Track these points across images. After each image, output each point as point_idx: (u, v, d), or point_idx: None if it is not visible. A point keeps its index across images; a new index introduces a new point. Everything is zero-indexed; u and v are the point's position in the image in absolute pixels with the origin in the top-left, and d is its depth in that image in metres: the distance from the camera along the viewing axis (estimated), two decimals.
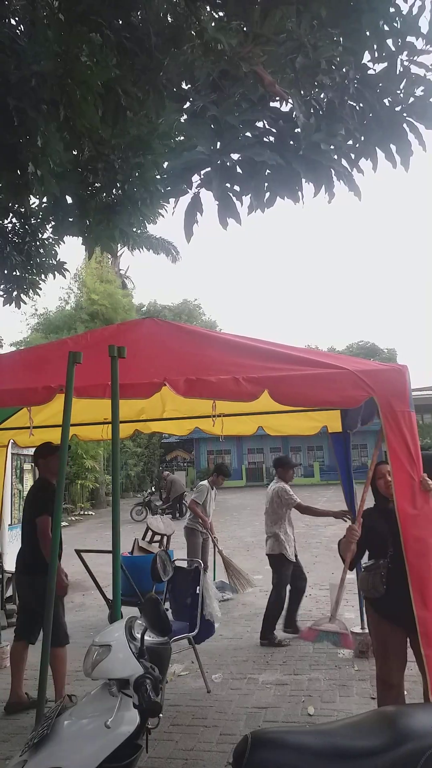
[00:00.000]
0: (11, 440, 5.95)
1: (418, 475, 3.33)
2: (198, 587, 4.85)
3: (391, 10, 2.67)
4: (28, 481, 9.21)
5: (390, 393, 3.37)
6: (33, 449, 9.22)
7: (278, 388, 3.48)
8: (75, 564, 6.88)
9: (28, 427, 4.68)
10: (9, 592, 7.60)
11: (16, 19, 3.74)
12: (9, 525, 8.11)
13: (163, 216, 4.87)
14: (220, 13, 3.51)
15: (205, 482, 8.02)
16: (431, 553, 3.25)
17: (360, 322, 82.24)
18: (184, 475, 32.21)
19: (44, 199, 4.69)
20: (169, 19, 3.59)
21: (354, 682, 4.73)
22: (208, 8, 3.68)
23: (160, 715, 1.99)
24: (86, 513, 22.70)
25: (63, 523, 16.47)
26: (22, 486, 8.97)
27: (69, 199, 4.15)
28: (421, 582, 3.21)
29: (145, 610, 2.15)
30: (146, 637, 2.08)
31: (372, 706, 4.19)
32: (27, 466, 9.22)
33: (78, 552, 6.00)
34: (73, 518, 20.61)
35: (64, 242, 5.56)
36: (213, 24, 3.48)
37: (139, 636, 2.09)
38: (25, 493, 9.17)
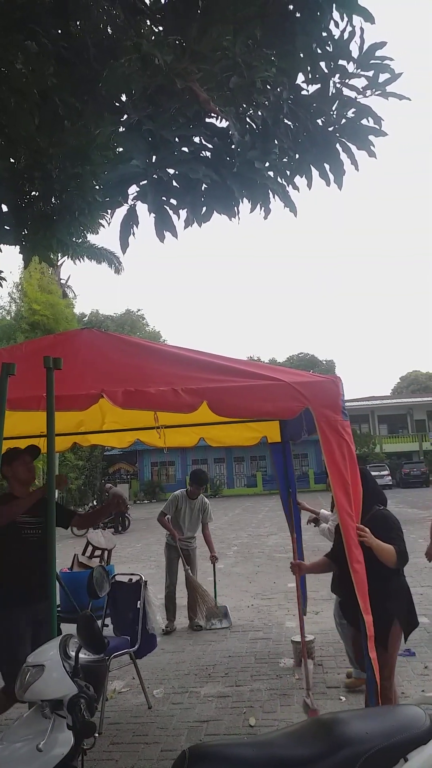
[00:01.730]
0: None
1: (354, 482, 3.42)
2: (139, 601, 4.79)
3: (324, 34, 2.77)
4: None
5: (324, 403, 3.45)
6: None
7: (216, 400, 3.50)
8: None
9: None
10: None
11: None
12: None
13: (104, 226, 4.84)
14: (160, 28, 3.54)
15: (178, 492, 7.36)
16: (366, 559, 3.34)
17: (300, 334, 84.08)
18: (128, 488, 31.80)
19: None
20: (109, 30, 3.59)
21: (295, 691, 4.77)
22: (148, 22, 3.71)
23: (96, 734, 1.95)
24: None
25: None
26: None
27: (5, 207, 4.06)
28: (362, 587, 3.29)
29: (79, 628, 2.10)
30: (81, 655, 2.04)
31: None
32: None
33: None
34: None
35: (0, 251, 5.44)
36: (152, 38, 3.51)
37: (73, 654, 2.04)
38: None
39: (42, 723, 1.92)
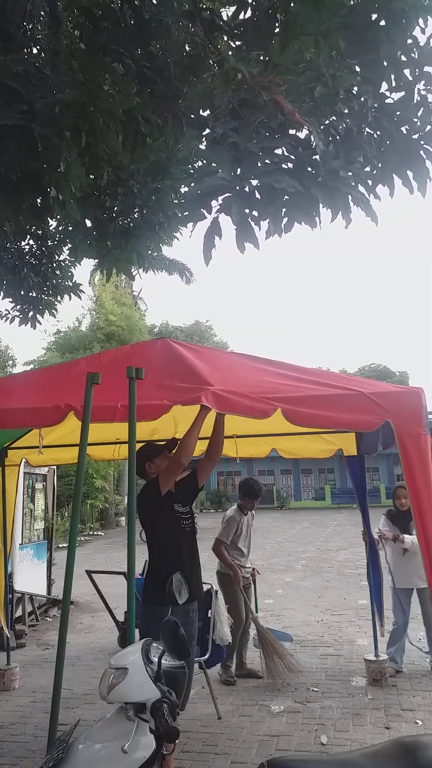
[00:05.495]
0: (23, 459, 5.96)
1: (430, 498, 3.31)
2: (209, 611, 4.80)
3: (409, 41, 2.74)
4: (40, 501, 9.21)
5: (406, 416, 3.34)
6: (45, 468, 9.25)
7: (291, 409, 3.45)
8: (84, 585, 6.85)
9: (38, 447, 4.58)
10: (18, 612, 7.57)
11: (38, 47, 3.86)
12: (20, 544, 8.09)
13: (178, 239, 4.94)
14: (237, 43, 3.60)
15: (231, 510, 5.84)
16: None
17: (371, 344, 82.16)
18: None
19: (62, 222, 4.78)
20: (187, 48, 3.69)
21: (368, 711, 4.64)
22: (225, 38, 3.78)
23: (177, 741, 1.97)
24: (95, 533, 22.63)
25: None
26: (34, 505, 8.98)
27: (88, 223, 4.23)
28: None
29: (164, 633, 2.13)
30: (163, 661, 2.07)
31: (386, 736, 4.10)
32: (39, 486, 9.24)
33: (88, 573, 5.97)
34: (83, 538, 20.53)
35: (80, 264, 5.66)
36: (231, 53, 3.58)
37: (156, 659, 2.07)
38: (37, 512, 9.18)
39: (125, 725, 1.95)
